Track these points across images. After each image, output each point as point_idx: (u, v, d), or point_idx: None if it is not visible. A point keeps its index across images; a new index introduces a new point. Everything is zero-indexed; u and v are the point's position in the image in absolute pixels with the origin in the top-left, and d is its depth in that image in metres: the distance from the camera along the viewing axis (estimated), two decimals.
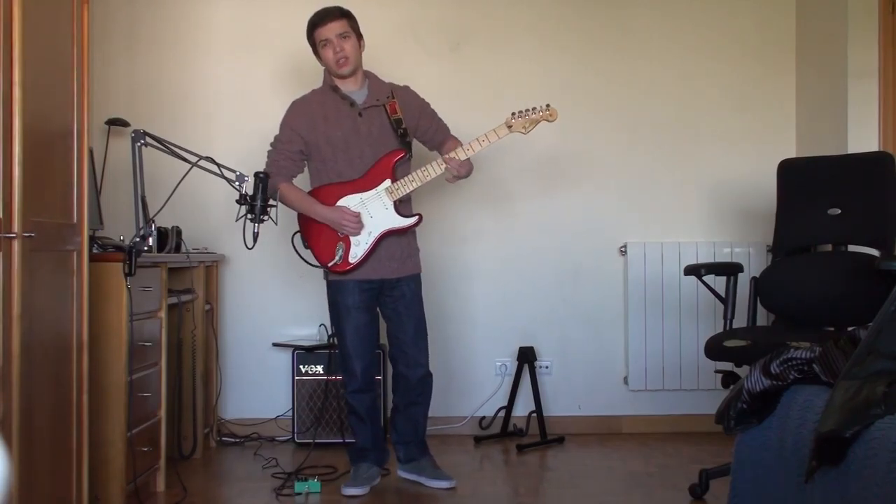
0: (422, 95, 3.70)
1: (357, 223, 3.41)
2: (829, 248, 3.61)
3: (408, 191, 3.47)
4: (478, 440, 4.37)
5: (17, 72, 2.37)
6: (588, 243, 4.58)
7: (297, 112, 3.55)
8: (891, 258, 3.17)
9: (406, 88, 3.64)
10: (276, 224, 3.48)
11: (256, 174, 3.40)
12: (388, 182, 3.45)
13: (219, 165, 3.47)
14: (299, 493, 3.42)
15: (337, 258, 3.44)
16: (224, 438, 4.36)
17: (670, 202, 4.61)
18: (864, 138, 4.02)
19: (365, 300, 3.50)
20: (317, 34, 3.50)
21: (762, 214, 4.40)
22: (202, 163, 3.48)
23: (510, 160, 4.47)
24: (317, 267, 3.51)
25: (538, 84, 4.55)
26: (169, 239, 3.65)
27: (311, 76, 4.50)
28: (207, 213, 4.35)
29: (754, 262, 4.41)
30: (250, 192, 3.39)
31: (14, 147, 2.36)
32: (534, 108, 3.48)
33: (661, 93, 4.61)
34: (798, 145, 4.59)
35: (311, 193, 3.51)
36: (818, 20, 4.42)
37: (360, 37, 3.55)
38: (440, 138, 3.66)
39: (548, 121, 3.50)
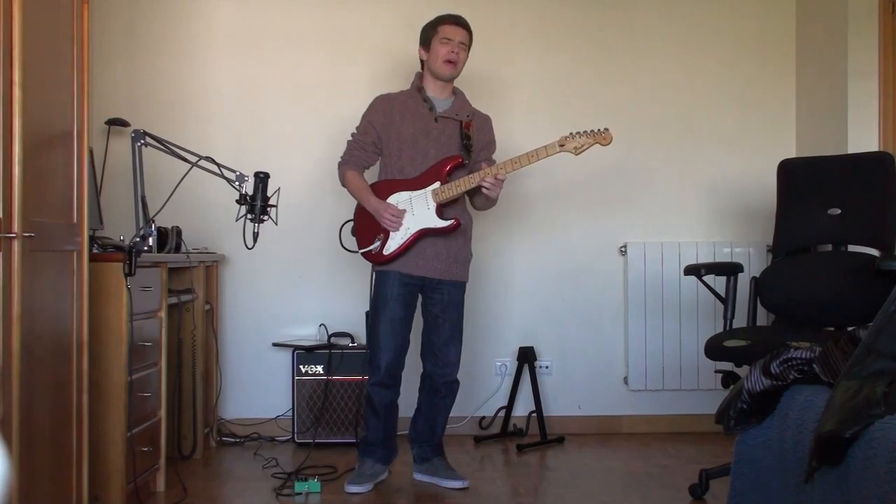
0: None
1: (397, 221, 3.47)
2: (829, 248, 3.61)
3: (453, 195, 3.49)
4: (478, 440, 4.37)
5: (17, 72, 2.37)
6: (588, 243, 4.58)
7: (377, 105, 3.63)
8: (891, 258, 3.17)
9: (487, 118, 3.71)
10: (276, 224, 3.48)
11: (256, 174, 3.41)
12: (437, 184, 3.50)
13: (219, 165, 3.47)
14: (299, 493, 3.41)
15: (373, 247, 3.51)
16: (224, 438, 4.36)
17: (670, 202, 4.61)
18: (864, 138, 4.03)
19: (404, 294, 3.54)
20: (444, 29, 3.57)
21: (762, 214, 4.40)
22: (202, 163, 3.48)
23: None
24: (354, 252, 3.59)
25: (538, 83, 4.55)
26: (169, 239, 3.64)
27: (310, 75, 4.52)
28: (207, 213, 4.34)
29: (754, 262, 4.41)
30: (250, 192, 3.39)
31: (14, 147, 2.36)
32: (591, 131, 3.46)
33: (660, 93, 4.62)
34: (798, 145, 4.59)
35: (371, 186, 3.59)
36: (818, 20, 4.42)
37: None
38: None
39: (601, 144, 3.46)
